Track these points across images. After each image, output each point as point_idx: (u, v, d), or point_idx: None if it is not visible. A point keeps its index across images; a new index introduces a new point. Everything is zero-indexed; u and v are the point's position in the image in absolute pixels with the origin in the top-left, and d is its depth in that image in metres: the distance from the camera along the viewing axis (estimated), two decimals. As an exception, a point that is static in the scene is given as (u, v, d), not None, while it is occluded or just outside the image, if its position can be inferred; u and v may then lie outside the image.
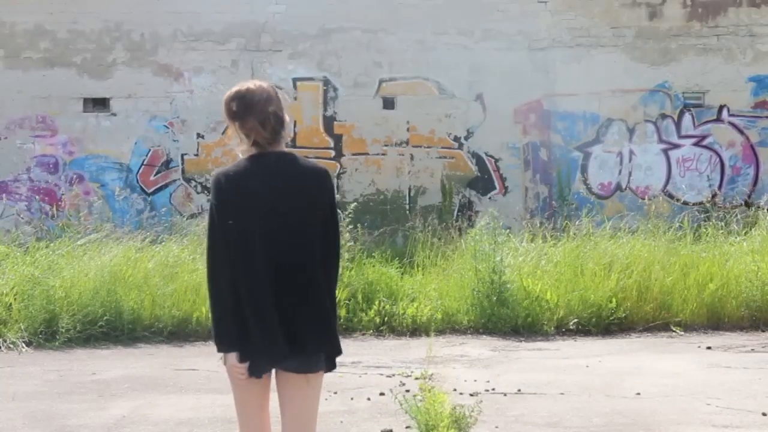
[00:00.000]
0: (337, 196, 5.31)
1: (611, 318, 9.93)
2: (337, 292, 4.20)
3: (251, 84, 3.94)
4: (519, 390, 7.30)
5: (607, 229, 11.17)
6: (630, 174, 13.89)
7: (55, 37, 13.40)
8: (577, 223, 11.44)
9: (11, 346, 9.02)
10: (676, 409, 6.71)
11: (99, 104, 13.54)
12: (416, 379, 7.52)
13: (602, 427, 6.30)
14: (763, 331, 9.93)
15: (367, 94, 13.71)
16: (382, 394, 7.08)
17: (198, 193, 13.49)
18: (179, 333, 9.51)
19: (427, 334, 9.52)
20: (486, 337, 9.61)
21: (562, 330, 9.81)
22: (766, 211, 11.76)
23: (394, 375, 7.83)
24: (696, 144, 13.94)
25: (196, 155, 13.55)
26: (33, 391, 7.43)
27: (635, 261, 10.30)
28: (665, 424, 6.33)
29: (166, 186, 13.51)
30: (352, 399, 7.03)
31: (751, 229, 11.41)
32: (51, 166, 13.40)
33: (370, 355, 8.71)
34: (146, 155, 13.50)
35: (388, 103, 13.76)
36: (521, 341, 9.49)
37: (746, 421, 6.42)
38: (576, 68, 13.77)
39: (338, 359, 4.04)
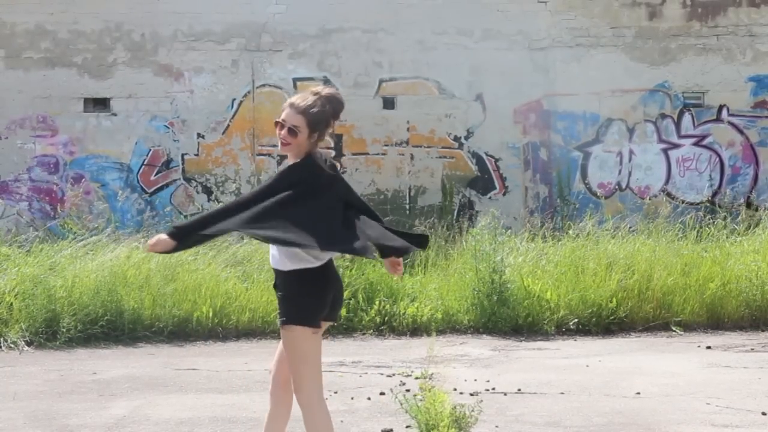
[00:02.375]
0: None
1: (611, 318, 9.95)
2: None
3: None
4: (519, 389, 7.32)
5: (610, 228, 11.18)
6: (630, 174, 13.88)
7: (56, 37, 13.41)
8: (579, 223, 11.45)
9: (12, 345, 9.04)
10: (676, 409, 6.72)
11: (99, 104, 13.54)
12: (416, 378, 7.54)
13: (602, 426, 6.32)
14: (763, 331, 9.94)
15: (367, 94, 13.70)
16: (382, 393, 7.09)
17: (198, 193, 13.49)
18: (180, 333, 9.52)
19: (428, 334, 9.53)
20: (486, 337, 9.63)
21: (563, 330, 9.83)
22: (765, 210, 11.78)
23: (394, 375, 7.84)
24: (696, 144, 13.94)
25: (197, 155, 13.55)
26: (34, 390, 7.44)
27: (636, 261, 10.31)
28: (665, 424, 6.34)
29: (166, 186, 13.51)
30: (352, 399, 7.04)
31: (753, 229, 11.42)
32: (51, 166, 13.40)
33: (371, 355, 8.72)
34: (146, 155, 13.49)
35: (388, 103, 13.76)
36: (521, 341, 9.51)
37: (746, 420, 6.43)
38: (576, 68, 13.78)
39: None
